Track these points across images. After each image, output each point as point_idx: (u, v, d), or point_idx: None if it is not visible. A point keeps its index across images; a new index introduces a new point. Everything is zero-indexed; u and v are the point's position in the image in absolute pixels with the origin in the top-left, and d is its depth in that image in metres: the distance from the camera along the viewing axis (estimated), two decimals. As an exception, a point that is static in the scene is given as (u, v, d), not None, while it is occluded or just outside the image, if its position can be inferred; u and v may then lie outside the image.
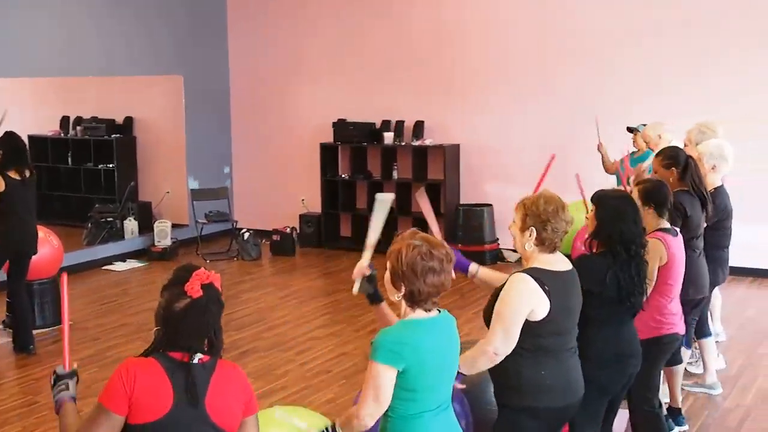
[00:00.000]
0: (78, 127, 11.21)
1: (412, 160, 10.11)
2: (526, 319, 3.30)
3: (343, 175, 10.57)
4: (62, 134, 11.32)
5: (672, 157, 5.08)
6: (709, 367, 5.75)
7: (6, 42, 8.82)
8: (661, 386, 4.63)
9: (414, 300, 2.89)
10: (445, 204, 9.91)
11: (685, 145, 6.08)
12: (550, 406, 3.37)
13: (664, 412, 4.76)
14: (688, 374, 5.80)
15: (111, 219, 10.27)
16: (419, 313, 2.91)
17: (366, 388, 2.84)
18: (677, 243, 4.37)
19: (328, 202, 10.56)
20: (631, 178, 6.30)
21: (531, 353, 3.34)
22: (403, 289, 2.89)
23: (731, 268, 5.87)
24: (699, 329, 5.60)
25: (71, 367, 2.73)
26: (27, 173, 6.56)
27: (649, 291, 4.05)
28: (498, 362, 3.34)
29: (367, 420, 2.84)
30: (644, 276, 3.82)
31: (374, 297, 3.19)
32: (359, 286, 3.21)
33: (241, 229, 10.35)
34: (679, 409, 5.16)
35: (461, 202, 10.02)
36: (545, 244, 3.38)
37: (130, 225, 10.30)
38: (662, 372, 4.71)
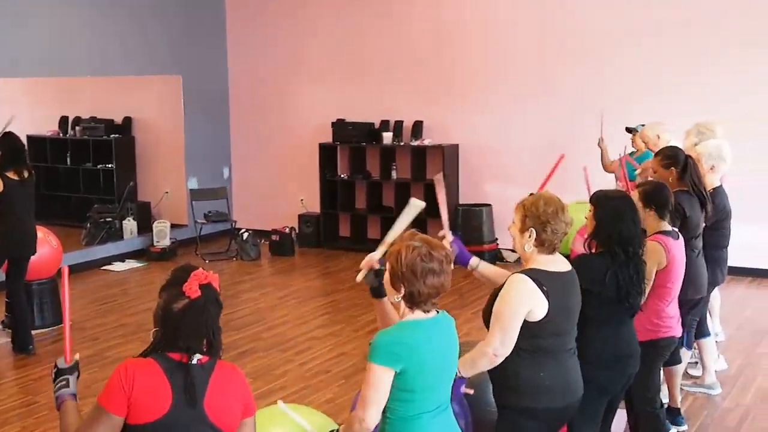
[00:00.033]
0: (77, 128, 11.21)
1: (411, 160, 10.10)
2: (525, 320, 3.30)
3: (342, 175, 10.57)
4: (61, 134, 11.32)
5: (671, 156, 5.09)
6: (708, 366, 5.75)
7: (4, 42, 8.82)
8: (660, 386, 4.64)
9: (413, 301, 2.89)
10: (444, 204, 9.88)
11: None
12: (549, 406, 3.37)
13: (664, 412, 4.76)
14: (688, 375, 5.80)
15: (110, 219, 10.27)
16: (418, 314, 2.91)
17: (365, 390, 2.84)
18: (678, 246, 4.37)
19: (327, 202, 10.55)
20: (636, 172, 6.29)
21: (529, 354, 3.34)
22: (402, 290, 2.89)
23: (730, 268, 5.87)
24: (698, 329, 5.60)
25: (72, 359, 2.71)
26: (26, 174, 6.55)
27: (647, 291, 4.06)
28: (498, 363, 3.34)
29: (368, 422, 2.84)
30: (642, 276, 3.82)
31: (377, 291, 3.17)
32: (364, 275, 3.20)
33: (240, 229, 10.35)
34: (678, 409, 5.16)
35: (460, 202, 10.02)
36: (545, 246, 3.38)
37: (129, 225, 10.30)
38: (662, 372, 4.71)
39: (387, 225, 11.26)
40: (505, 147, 9.77)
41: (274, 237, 10.28)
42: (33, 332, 6.86)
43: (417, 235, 2.97)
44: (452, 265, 2.98)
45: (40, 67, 9.26)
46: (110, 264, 9.72)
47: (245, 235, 10.08)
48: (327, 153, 10.55)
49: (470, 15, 9.84)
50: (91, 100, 11.25)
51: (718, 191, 5.46)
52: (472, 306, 7.51)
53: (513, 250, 3.58)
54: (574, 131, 9.13)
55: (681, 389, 5.36)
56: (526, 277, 3.32)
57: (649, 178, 5.28)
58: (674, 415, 5.09)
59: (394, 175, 10.26)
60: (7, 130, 6.70)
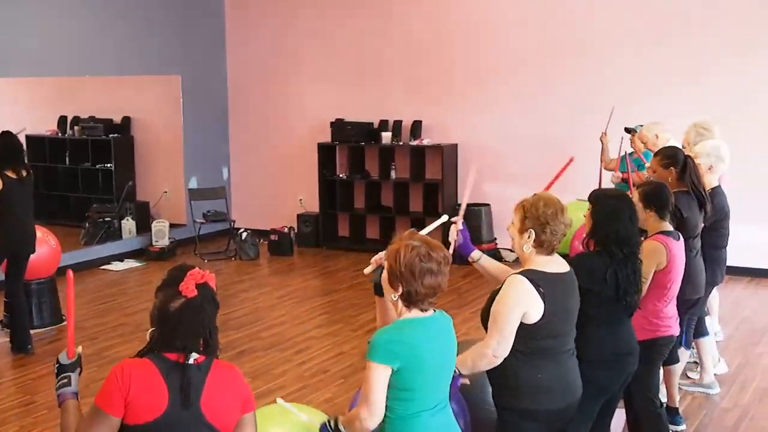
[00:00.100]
0: (75, 127, 11.19)
1: (410, 160, 10.10)
2: (521, 322, 3.30)
3: (341, 175, 10.57)
4: (60, 134, 11.30)
5: (671, 156, 5.09)
6: (706, 366, 5.75)
7: (3, 42, 8.81)
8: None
9: (411, 300, 2.90)
10: (443, 204, 9.91)
11: (683, 146, 6.09)
12: (549, 408, 3.37)
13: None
14: (686, 377, 5.81)
15: (109, 219, 10.27)
16: (416, 313, 2.92)
17: (365, 389, 2.85)
18: (679, 247, 4.37)
19: (325, 201, 10.55)
20: (646, 165, 6.27)
21: (527, 356, 3.34)
22: (400, 289, 2.89)
23: (729, 267, 5.88)
24: (696, 329, 5.60)
25: (75, 353, 2.70)
26: (24, 173, 6.55)
27: (644, 290, 4.06)
28: (497, 364, 3.35)
29: (369, 421, 2.85)
30: (639, 275, 3.83)
31: (380, 288, 3.18)
32: (372, 269, 3.21)
33: (239, 228, 10.35)
34: (677, 409, 5.17)
35: (459, 201, 10.01)
36: (543, 246, 3.39)
37: (128, 225, 10.30)
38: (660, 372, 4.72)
39: (386, 225, 11.29)
40: (504, 147, 9.77)
41: (272, 237, 10.28)
42: (31, 332, 6.86)
43: (416, 235, 2.97)
44: (451, 263, 2.99)
45: (39, 66, 9.26)
46: (109, 264, 9.72)
47: (244, 235, 10.09)
48: (326, 153, 10.55)
49: (469, 15, 9.84)
50: (89, 100, 11.24)
51: (716, 191, 5.47)
52: (471, 306, 7.51)
53: (512, 250, 3.58)
54: (574, 131, 9.13)
55: (679, 389, 5.36)
56: (524, 279, 3.33)
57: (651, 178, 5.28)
58: (672, 414, 5.09)
59: (393, 174, 10.26)
60: (3, 129, 6.70)
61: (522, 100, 9.64)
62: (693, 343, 5.76)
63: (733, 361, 6.31)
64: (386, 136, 10.17)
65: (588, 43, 9.26)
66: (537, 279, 3.32)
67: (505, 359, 3.34)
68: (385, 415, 2.88)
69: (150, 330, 2.56)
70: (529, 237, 3.38)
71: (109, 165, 10.97)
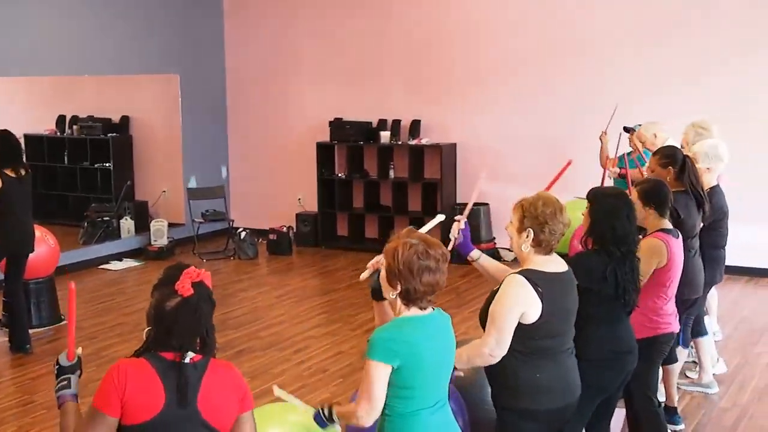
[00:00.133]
0: (74, 126, 11.20)
1: (408, 160, 10.10)
2: (519, 322, 3.30)
3: (339, 175, 10.56)
4: (58, 133, 11.31)
5: (669, 156, 5.09)
6: (705, 365, 5.75)
7: (1, 41, 8.80)
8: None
9: (409, 298, 2.90)
10: (442, 203, 9.91)
11: (682, 146, 6.10)
12: (549, 407, 3.37)
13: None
14: (685, 377, 5.80)
15: (107, 218, 10.26)
16: (414, 311, 2.92)
17: (363, 387, 2.85)
18: (678, 245, 4.38)
19: (324, 201, 10.55)
20: (646, 164, 6.27)
21: (526, 356, 3.34)
22: (398, 287, 2.89)
23: (727, 267, 5.88)
24: (695, 328, 5.61)
25: (75, 355, 2.69)
26: (23, 172, 6.54)
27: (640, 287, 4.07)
28: (494, 362, 3.35)
29: (366, 419, 2.85)
30: (637, 273, 3.83)
31: (377, 293, 3.18)
32: (369, 274, 3.20)
33: (238, 228, 10.35)
34: (675, 408, 5.17)
35: (458, 201, 10.02)
36: (542, 246, 3.38)
37: (127, 224, 10.30)
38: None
39: (385, 224, 11.25)
40: (503, 146, 9.77)
41: (271, 236, 10.28)
42: (30, 331, 6.85)
43: (414, 233, 2.97)
44: (449, 260, 2.99)
45: (38, 65, 9.25)
46: (107, 263, 9.71)
47: (243, 234, 10.08)
48: (325, 152, 10.54)
49: (469, 15, 9.84)
50: (88, 99, 11.25)
51: (715, 191, 5.47)
52: (470, 305, 7.51)
53: (511, 250, 3.58)
54: (574, 131, 9.13)
55: (678, 388, 5.36)
56: (522, 278, 3.32)
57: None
58: (671, 414, 5.09)
59: (391, 174, 10.26)
60: (1, 128, 6.69)
61: (522, 100, 9.64)
62: (692, 343, 5.77)
63: (732, 361, 6.31)
64: (385, 136, 10.16)
65: (588, 43, 9.25)
66: (535, 279, 3.32)
67: (504, 359, 3.34)
68: (384, 413, 2.89)
69: (146, 329, 2.56)
70: (527, 236, 3.38)
71: (107, 164, 10.97)
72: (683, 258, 4.46)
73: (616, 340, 3.83)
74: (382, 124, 10.30)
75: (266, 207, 11.12)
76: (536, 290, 3.30)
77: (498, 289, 3.40)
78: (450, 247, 3.32)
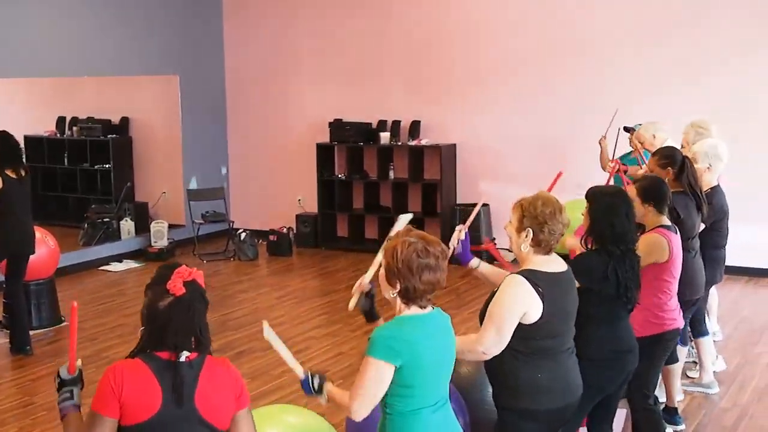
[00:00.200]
0: (74, 128, 11.20)
1: (408, 160, 10.09)
2: (520, 323, 3.30)
3: (339, 175, 10.56)
4: (58, 135, 11.31)
5: (668, 156, 5.09)
6: (705, 365, 5.75)
7: (1, 42, 8.80)
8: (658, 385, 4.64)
9: (409, 297, 2.89)
10: (441, 203, 9.91)
11: (683, 146, 6.10)
12: (549, 407, 3.37)
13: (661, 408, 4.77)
14: (685, 376, 5.80)
15: (107, 219, 10.26)
16: (415, 310, 2.92)
17: (360, 383, 2.85)
18: (678, 240, 4.40)
19: (324, 202, 10.55)
20: (644, 167, 6.27)
21: (526, 356, 3.34)
22: (398, 286, 2.89)
23: (727, 267, 5.88)
24: (696, 328, 5.61)
25: (76, 368, 2.69)
26: (23, 172, 6.54)
27: None
28: (485, 360, 3.36)
29: (359, 414, 2.86)
30: (638, 270, 3.83)
31: (370, 315, 3.18)
32: (356, 301, 3.19)
33: (238, 229, 10.35)
34: (676, 409, 5.16)
35: (458, 201, 10.02)
36: (541, 246, 3.38)
37: (127, 225, 10.30)
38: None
39: (384, 225, 11.22)
40: (503, 146, 9.77)
41: (271, 237, 10.27)
42: (30, 332, 6.85)
43: (413, 231, 2.97)
44: (448, 262, 2.99)
45: (37, 67, 9.25)
46: (108, 264, 9.71)
47: (243, 236, 10.08)
48: (324, 153, 10.54)
49: (469, 15, 9.83)
50: (88, 101, 11.25)
51: (715, 190, 5.47)
52: (469, 306, 7.51)
53: (510, 250, 3.58)
54: (574, 131, 9.13)
55: (685, 392, 5.35)
56: (522, 279, 3.32)
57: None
58: (672, 414, 5.09)
59: (391, 175, 10.25)
60: (1, 129, 6.69)
61: (522, 100, 9.63)
62: (692, 343, 5.77)
63: (732, 361, 6.31)
64: (385, 137, 10.16)
65: (588, 43, 9.25)
66: (536, 279, 3.32)
67: (504, 359, 3.34)
68: (385, 412, 2.89)
69: (141, 329, 2.56)
70: (526, 236, 3.38)
71: (107, 165, 10.98)
72: (683, 258, 4.47)
73: (617, 340, 3.83)
74: (382, 124, 10.29)
75: (266, 208, 11.12)
76: (537, 290, 3.29)
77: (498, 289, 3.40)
78: (449, 255, 3.31)
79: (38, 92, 10.98)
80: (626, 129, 7.31)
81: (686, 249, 4.78)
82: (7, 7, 8.92)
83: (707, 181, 5.42)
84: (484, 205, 9.71)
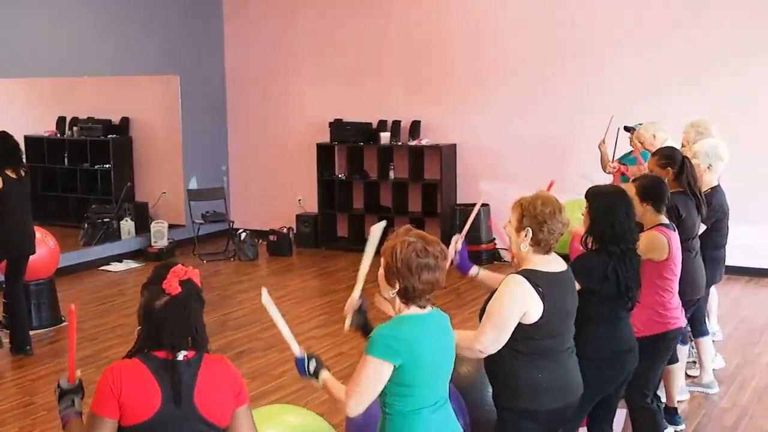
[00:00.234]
0: (74, 128, 11.20)
1: (408, 160, 10.09)
2: (520, 323, 3.30)
3: (339, 175, 10.56)
4: (58, 135, 11.31)
5: (668, 156, 5.09)
6: (705, 365, 5.75)
7: (1, 42, 8.80)
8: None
9: (408, 296, 2.89)
10: (441, 203, 9.91)
11: (683, 146, 6.10)
12: (549, 407, 3.37)
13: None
14: (687, 375, 5.80)
15: (107, 219, 10.26)
16: (414, 309, 2.92)
17: (357, 380, 2.86)
18: (677, 238, 4.40)
19: (324, 202, 10.55)
20: (644, 167, 6.26)
21: (527, 356, 3.34)
22: (397, 286, 2.89)
23: (727, 267, 5.89)
24: (696, 328, 5.61)
25: (76, 379, 2.69)
26: (23, 173, 6.54)
27: None
28: (483, 358, 3.36)
29: (354, 411, 2.88)
30: (639, 269, 3.83)
31: (366, 329, 3.19)
32: (351, 320, 3.18)
33: (238, 229, 10.35)
34: (676, 409, 5.16)
35: (458, 202, 10.02)
36: (540, 245, 3.38)
37: (127, 225, 10.30)
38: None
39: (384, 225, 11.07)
40: (503, 147, 9.77)
41: (271, 237, 10.27)
42: (30, 332, 6.85)
43: (412, 231, 2.97)
44: (448, 263, 2.99)
45: (37, 67, 9.25)
46: (108, 264, 9.71)
47: (243, 236, 10.08)
48: (325, 153, 10.54)
49: (469, 15, 9.83)
50: (88, 101, 11.25)
51: (716, 190, 5.47)
52: (469, 306, 7.51)
53: (509, 249, 3.58)
54: (574, 131, 9.13)
55: (690, 393, 5.36)
56: (522, 279, 3.32)
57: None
58: (672, 414, 5.09)
59: (391, 175, 10.25)
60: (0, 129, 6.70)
61: (522, 100, 9.63)
62: (693, 343, 5.77)
63: (732, 361, 6.31)
64: (385, 137, 10.16)
65: (588, 43, 9.25)
66: (536, 279, 3.32)
67: (504, 359, 3.34)
68: (385, 412, 2.90)
69: (138, 328, 2.56)
70: (526, 235, 3.38)
71: (107, 166, 10.98)
72: (684, 258, 4.48)
73: (617, 340, 3.83)
74: (382, 124, 10.29)
75: (266, 208, 11.12)
76: (537, 291, 3.29)
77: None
78: (447, 266, 3.32)
79: (38, 92, 10.98)
80: (626, 128, 7.30)
81: (687, 249, 4.78)
82: (7, 7, 8.92)
83: (707, 181, 5.42)
84: (484, 205, 9.72)
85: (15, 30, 8.95)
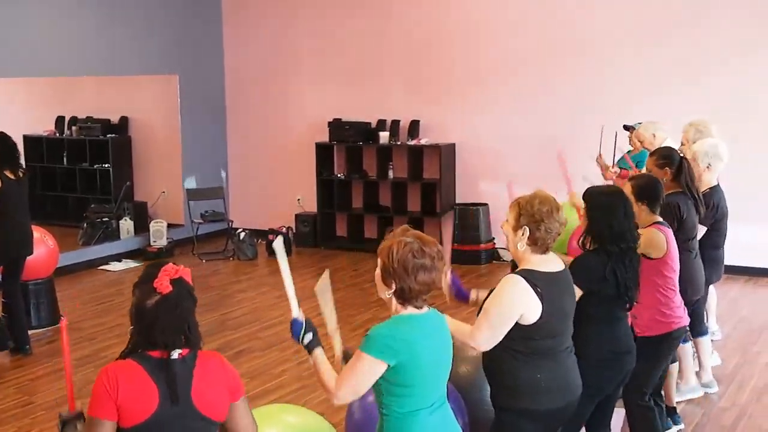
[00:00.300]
0: (73, 127, 11.21)
1: (407, 160, 10.09)
2: (519, 323, 3.29)
3: (338, 175, 10.56)
4: (57, 134, 11.31)
5: (666, 156, 5.09)
6: (704, 365, 5.75)
7: (1, 42, 8.79)
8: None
9: (404, 297, 2.89)
10: (441, 203, 9.91)
11: (683, 144, 6.10)
12: (549, 407, 3.37)
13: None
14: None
15: (107, 219, 10.26)
16: (411, 310, 2.92)
17: (350, 373, 2.86)
18: (672, 235, 4.40)
19: (323, 201, 10.55)
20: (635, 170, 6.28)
21: (526, 356, 3.33)
22: (393, 286, 2.89)
23: (726, 266, 5.89)
24: (695, 328, 5.60)
25: (76, 408, 2.67)
26: (21, 173, 6.54)
27: None
28: (482, 359, 3.37)
29: (342, 401, 2.91)
30: (638, 269, 3.83)
31: (313, 342, 3.16)
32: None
33: (237, 228, 10.34)
34: (675, 408, 5.16)
35: (457, 201, 10.02)
36: (538, 244, 3.38)
37: (126, 225, 10.29)
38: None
39: (384, 224, 11.20)
40: (503, 146, 9.76)
41: (270, 237, 10.26)
42: (29, 332, 6.85)
43: (409, 231, 2.96)
44: (444, 263, 2.99)
45: (37, 66, 9.24)
46: (107, 264, 9.71)
47: (242, 235, 10.08)
48: (324, 153, 10.54)
49: (469, 15, 9.83)
50: (87, 100, 11.25)
51: (715, 190, 5.47)
52: (467, 306, 7.48)
53: (507, 249, 3.58)
54: (574, 131, 9.12)
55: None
56: (521, 279, 3.32)
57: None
58: (671, 413, 5.09)
59: (390, 174, 10.25)
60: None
61: (522, 100, 9.63)
62: (692, 342, 5.76)
63: (731, 360, 6.31)
64: (384, 136, 10.16)
65: (588, 43, 9.24)
66: (534, 279, 3.31)
67: (504, 359, 3.34)
68: (382, 413, 2.89)
69: (130, 328, 2.56)
70: (523, 234, 3.37)
71: (106, 165, 10.98)
72: (684, 259, 4.48)
73: (615, 341, 3.82)
74: (381, 124, 10.29)
75: (265, 208, 11.11)
76: (535, 291, 3.29)
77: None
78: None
79: (37, 92, 10.98)
80: (626, 127, 7.30)
81: (687, 249, 4.79)
82: (7, 7, 8.91)
83: (707, 181, 5.42)
84: (484, 204, 9.72)
85: (15, 30, 8.94)
